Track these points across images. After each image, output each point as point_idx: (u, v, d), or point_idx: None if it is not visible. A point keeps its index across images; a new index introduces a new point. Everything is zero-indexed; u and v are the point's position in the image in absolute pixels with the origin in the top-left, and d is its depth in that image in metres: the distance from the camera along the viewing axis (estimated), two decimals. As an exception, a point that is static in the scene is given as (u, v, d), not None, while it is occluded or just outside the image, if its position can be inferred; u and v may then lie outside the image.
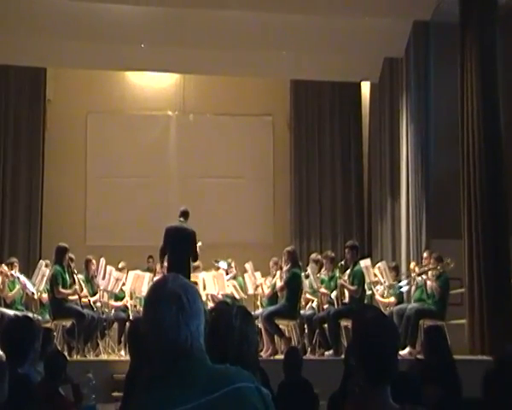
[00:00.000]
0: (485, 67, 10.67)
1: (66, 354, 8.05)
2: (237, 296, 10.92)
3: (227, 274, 11.21)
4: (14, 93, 13.50)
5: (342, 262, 10.42)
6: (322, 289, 10.40)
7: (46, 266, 10.28)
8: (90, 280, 10.62)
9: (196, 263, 11.32)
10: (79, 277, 10.28)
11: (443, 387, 5.36)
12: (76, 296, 9.93)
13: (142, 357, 4.56)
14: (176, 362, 1.93)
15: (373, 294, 10.55)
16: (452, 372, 5.75)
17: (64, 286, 9.76)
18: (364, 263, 10.20)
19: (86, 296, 10.18)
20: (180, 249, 9.74)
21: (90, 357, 9.72)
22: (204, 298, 10.57)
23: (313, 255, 11.18)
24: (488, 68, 10.67)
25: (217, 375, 1.94)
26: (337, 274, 10.30)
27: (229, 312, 2.58)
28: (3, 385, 3.63)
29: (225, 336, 2.49)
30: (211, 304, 11.01)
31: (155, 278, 10.54)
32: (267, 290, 10.70)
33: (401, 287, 10.59)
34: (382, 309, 9.53)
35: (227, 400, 1.89)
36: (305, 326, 10.37)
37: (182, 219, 9.99)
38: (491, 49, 10.75)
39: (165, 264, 10.03)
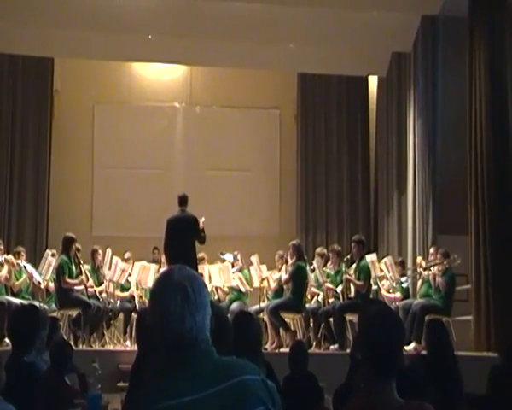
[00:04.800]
0: (494, 62, 10.64)
1: (72, 343, 8.06)
2: (243, 289, 10.93)
3: (233, 267, 11.21)
4: (22, 83, 13.51)
5: (348, 256, 10.42)
6: (328, 284, 10.40)
7: (52, 255, 10.30)
8: (96, 270, 10.65)
9: (201, 255, 11.34)
10: (85, 267, 10.31)
11: (444, 382, 5.36)
12: (82, 286, 9.96)
13: (148, 348, 4.58)
14: (181, 353, 1.93)
15: (379, 289, 10.55)
16: (454, 366, 5.75)
17: (70, 276, 9.80)
18: (370, 258, 10.18)
19: (92, 287, 10.20)
20: (183, 239, 9.76)
21: (96, 347, 9.74)
22: (209, 290, 10.59)
23: (319, 249, 11.18)
24: (497, 63, 10.64)
25: (222, 367, 1.95)
26: (343, 268, 10.30)
27: None
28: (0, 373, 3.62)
29: None
30: (216, 297, 11.04)
31: (161, 270, 10.59)
32: (273, 284, 10.70)
33: (403, 282, 10.59)
34: (388, 304, 9.54)
35: (232, 392, 1.90)
36: (311, 320, 10.38)
37: (182, 207, 10.00)
38: (499, 43, 10.71)
39: (165, 258, 10.14)
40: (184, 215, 9.94)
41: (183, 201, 10.02)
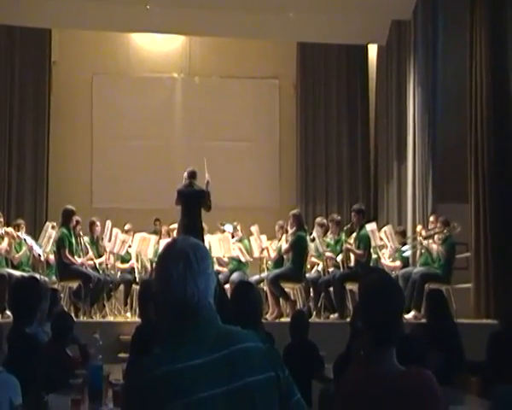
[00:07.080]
0: (495, 29, 10.57)
1: (72, 315, 8.10)
2: (243, 259, 10.95)
3: (233, 237, 11.22)
4: (19, 55, 13.39)
5: (348, 226, 10.42)
6: (328, 253, 10.41)
7: (52, 227, 10.31)
8: (95, 242, 10.67)
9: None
10: (85, 239, 10.33)
11: (445, 349, 5.39)
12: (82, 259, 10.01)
13: (150, 318, 4.60)
14: (184, 320, 1.95)
15: (378, 258, 10.56)
16: (454, 335, 5.78)
17: (70, 249, 9.82)
18: (370, 227, 10.19)
19: (92, 259, 10.23)
20: (193, 213, 9.86)
21: (97, 318, 9.80)
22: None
23: (318, 219, 11.17)
24: (498, 30, 10.58)
25: (225, 334, 1.97)
26: (343, 238, 10.31)
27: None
28: (2, 345, 3.63)
29: None
30: (217, 267, 11.07)
31: (161, 241, 10.62)
32: (273, 254, 10.72)
33: (404, 251, 10.60)
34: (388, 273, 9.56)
35: (234, 358, 1.92)
36: (311, 289, 10.41)
37: (191, 180, 10.10)
38: (500, 10, 10.63)
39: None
40: (193, 189, 10.10)
41: (192, 176, 10.17)
